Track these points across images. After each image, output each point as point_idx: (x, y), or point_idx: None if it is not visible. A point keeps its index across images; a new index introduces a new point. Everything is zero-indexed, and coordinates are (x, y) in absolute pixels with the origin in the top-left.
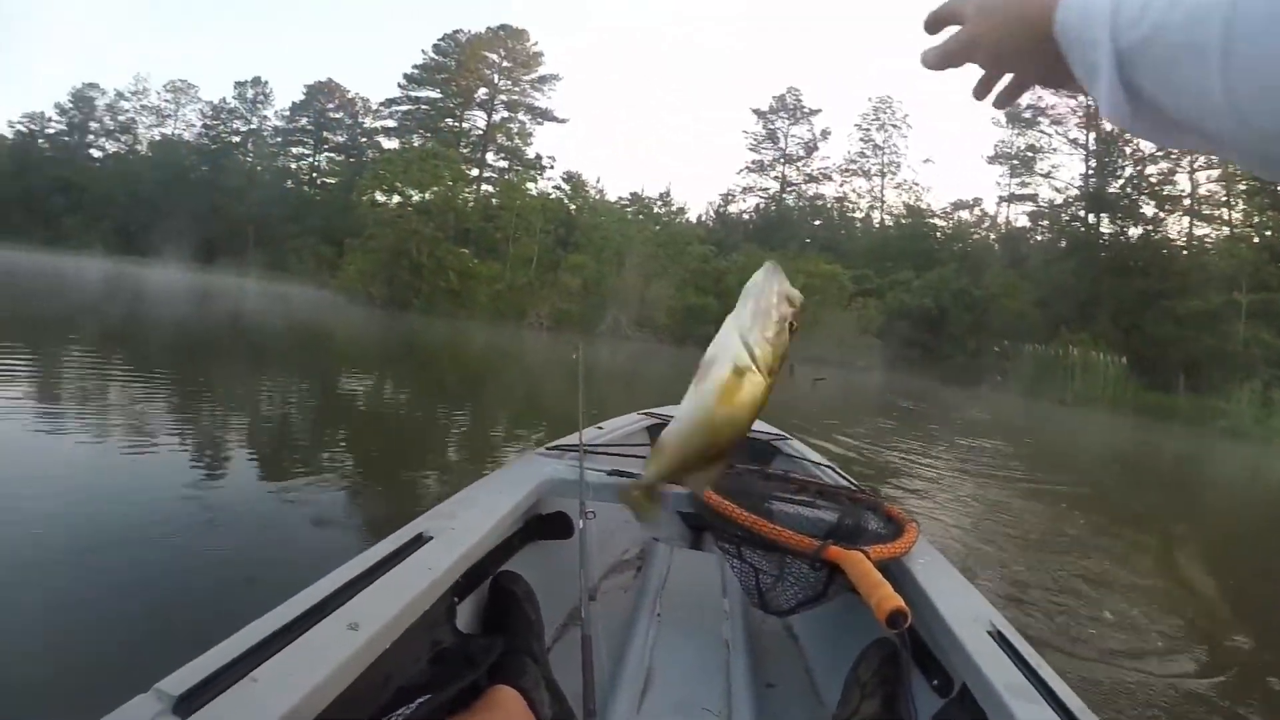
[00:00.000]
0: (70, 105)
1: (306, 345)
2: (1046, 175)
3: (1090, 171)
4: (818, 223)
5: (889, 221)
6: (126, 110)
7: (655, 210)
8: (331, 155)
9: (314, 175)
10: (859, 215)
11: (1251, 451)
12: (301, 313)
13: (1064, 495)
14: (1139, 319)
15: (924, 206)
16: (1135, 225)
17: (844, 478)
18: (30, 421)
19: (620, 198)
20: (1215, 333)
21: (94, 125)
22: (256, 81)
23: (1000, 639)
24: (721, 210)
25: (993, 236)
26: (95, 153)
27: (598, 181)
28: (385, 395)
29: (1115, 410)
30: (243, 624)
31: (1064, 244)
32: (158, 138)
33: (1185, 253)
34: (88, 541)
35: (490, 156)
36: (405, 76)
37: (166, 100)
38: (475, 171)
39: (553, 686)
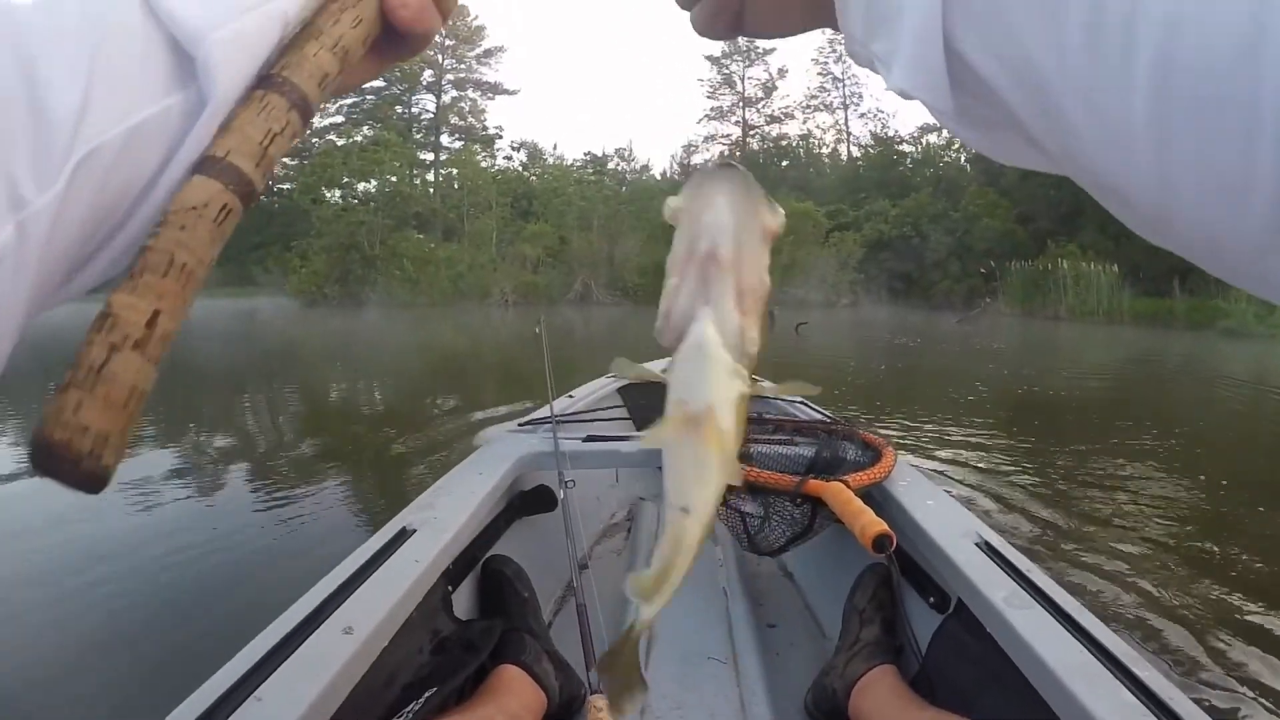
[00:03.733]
0: None
1: (247, 369)
2: None
3: None
4: (784, 163)
5: (857, 153)
6: None
7: (616, 168)
8: (284, 160)
9: (269, 184)
10: (825, 151)
11: (1256, 350)
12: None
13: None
14: None
15: (891, 134)
16: None
17: (819, 412)
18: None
19: (575, 160)
20: None
21: None
22: None
23: (989, 549)
24: (685, 162)
25: (964, 157)
26: None
27: (554, 148)
28: (351, 398)
29: (1112, 321)
30: (244, 645)
31: None
32: None
33: None
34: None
35: (445, 139)
36: None
37: None
38: (431, 155)
39: (555, 658)
